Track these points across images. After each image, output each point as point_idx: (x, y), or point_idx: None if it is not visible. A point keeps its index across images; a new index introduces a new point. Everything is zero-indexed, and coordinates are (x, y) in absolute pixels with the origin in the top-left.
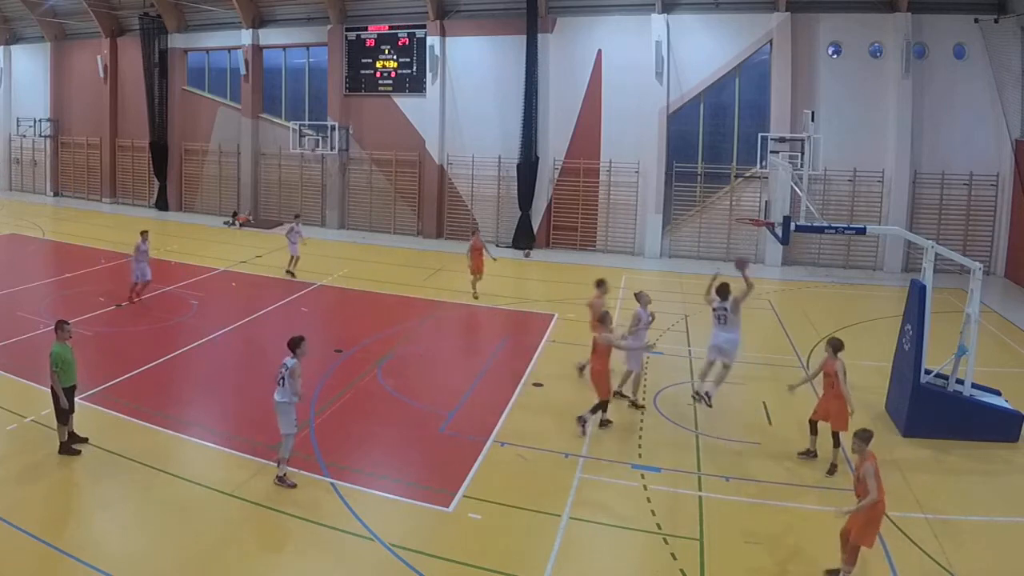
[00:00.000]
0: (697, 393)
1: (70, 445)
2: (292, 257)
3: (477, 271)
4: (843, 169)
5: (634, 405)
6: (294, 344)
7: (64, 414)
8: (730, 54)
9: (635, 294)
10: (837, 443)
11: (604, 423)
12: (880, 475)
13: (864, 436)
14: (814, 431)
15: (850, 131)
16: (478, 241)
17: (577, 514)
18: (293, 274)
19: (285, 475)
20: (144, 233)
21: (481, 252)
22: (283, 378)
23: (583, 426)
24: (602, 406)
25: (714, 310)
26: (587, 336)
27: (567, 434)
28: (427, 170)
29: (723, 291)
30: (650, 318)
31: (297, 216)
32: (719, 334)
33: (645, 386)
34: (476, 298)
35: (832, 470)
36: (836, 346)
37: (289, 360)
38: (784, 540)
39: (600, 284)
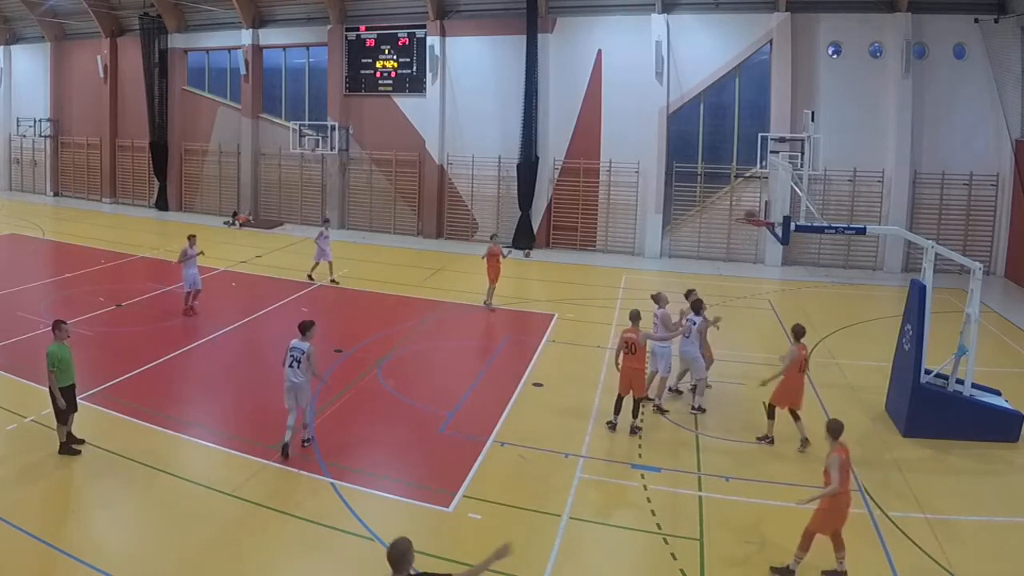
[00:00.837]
0: (691, 405)
1: (70, 445)
2: (318, 263)
3: (495, 279)
4: (843, 169)
5: (659, 409)
6: (305, 328)
7: (63, 414)
8: (730, 54)
9: (655, 296)
10: (796, 418)
11: (610, 424)
12: (847, 468)
13: (830, 428)
14: (796, 418)
15: (850, 131)
16: (495, 247)
17: (577, 514)
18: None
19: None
20: (191, 237)
21: (498, 259)
22: (297, 360)
23: (638, 432)
24: (641, 402)
25: (685, 320)
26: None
27: (567, 434)
28: (427, 170)
29: (697, 307)
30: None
31: (327, 220)
32: (683, 346)
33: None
34: (492, 310)
35: (802, 444)
36: (796, 332)
37: (304, 344)
38: (784, 540)
39: (690, 294)
